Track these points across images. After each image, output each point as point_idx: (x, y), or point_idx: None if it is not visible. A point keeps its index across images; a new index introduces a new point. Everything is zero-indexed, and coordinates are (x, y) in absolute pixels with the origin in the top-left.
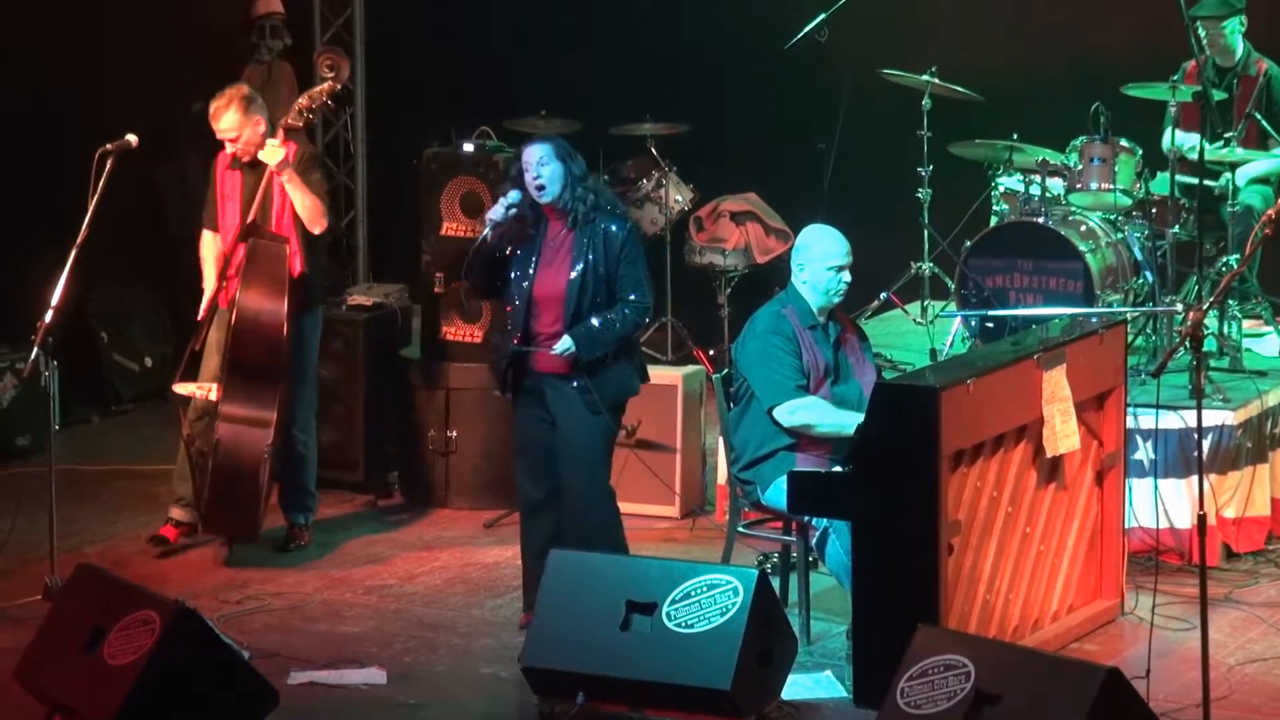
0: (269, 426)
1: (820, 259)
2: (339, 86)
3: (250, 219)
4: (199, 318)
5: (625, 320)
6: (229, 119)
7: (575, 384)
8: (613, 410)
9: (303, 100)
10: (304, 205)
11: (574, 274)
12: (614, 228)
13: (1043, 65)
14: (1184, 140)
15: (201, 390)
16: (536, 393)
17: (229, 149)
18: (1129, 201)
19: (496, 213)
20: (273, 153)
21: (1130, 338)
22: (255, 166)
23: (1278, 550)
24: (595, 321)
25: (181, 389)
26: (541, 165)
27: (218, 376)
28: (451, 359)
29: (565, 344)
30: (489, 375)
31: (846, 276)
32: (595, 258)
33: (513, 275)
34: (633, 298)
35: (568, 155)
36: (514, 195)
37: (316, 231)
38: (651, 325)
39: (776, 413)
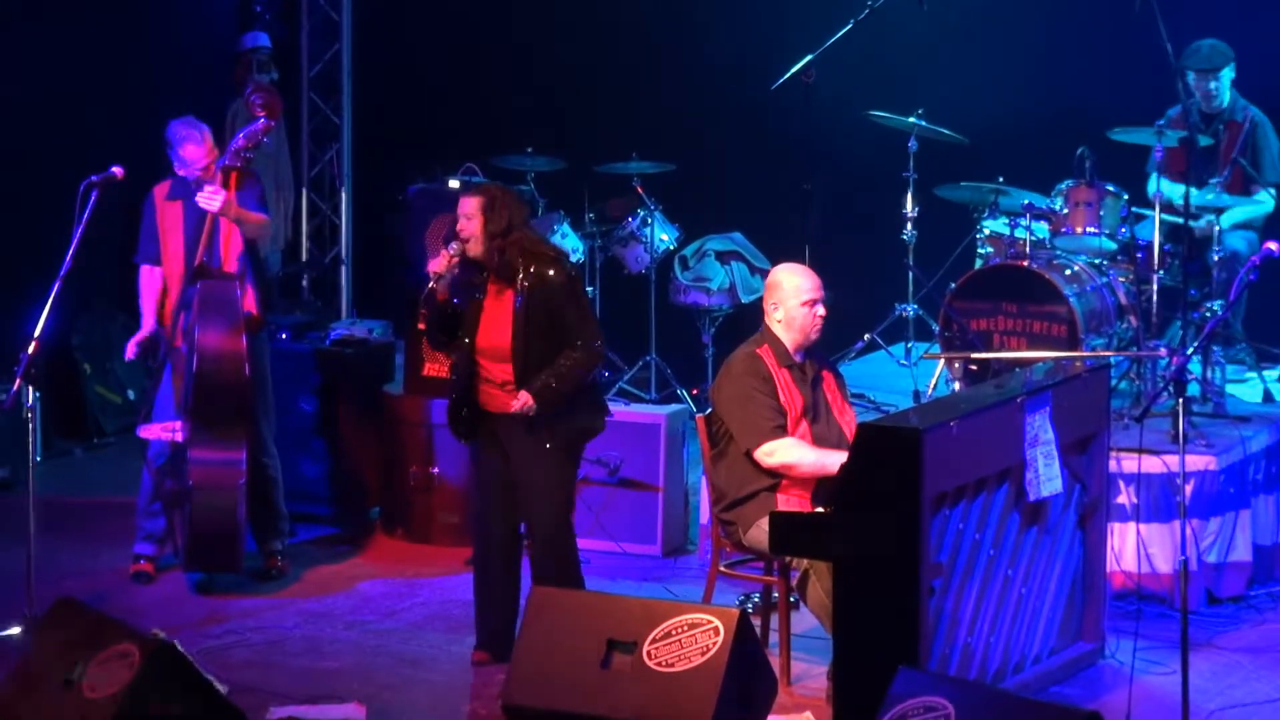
0: (240, 464)
1: (793, 295)
2: (274, 124)
3: (198, 260)
4: (155, 363)
5: (578, 365)
6: (207, 150)
7: (526, 425)
8: (569, 448)
9: (239, 141)
10: (254, 229)
11: (514, 326)
12: (550, 273)
13: (1029, 109)
14: (1169, 190)
15: (166, 432)
16: (492, 432)
17: (194, 175)
18: (1114, 246)
19: (439, 264)
20: (212, 200)
21: (1114, 382)
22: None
23: (1259, 595)
24: (550, 374)
25: (147, 433)
26: (468, 219)
27: (180, 417)
28: (434, 395)
29: (525, 401)
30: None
31: (821, 310)
32: (534, 307)
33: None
34: (579, 342)
35: (489, 208)
36: (455, 245)
37: (280, 244)
38: (635, 364)
39: (756, 454)
